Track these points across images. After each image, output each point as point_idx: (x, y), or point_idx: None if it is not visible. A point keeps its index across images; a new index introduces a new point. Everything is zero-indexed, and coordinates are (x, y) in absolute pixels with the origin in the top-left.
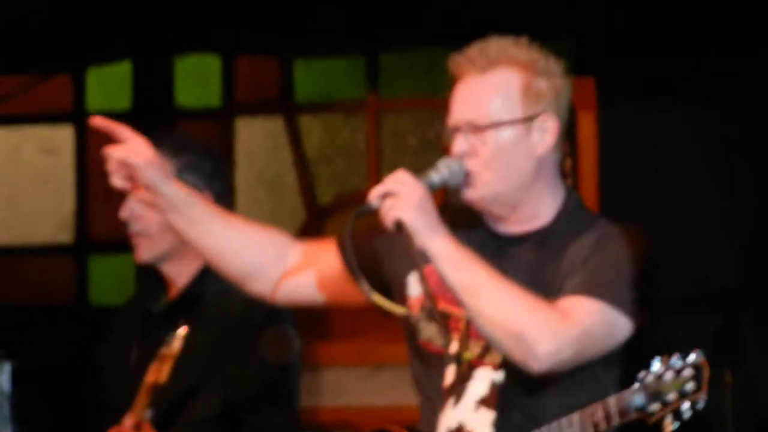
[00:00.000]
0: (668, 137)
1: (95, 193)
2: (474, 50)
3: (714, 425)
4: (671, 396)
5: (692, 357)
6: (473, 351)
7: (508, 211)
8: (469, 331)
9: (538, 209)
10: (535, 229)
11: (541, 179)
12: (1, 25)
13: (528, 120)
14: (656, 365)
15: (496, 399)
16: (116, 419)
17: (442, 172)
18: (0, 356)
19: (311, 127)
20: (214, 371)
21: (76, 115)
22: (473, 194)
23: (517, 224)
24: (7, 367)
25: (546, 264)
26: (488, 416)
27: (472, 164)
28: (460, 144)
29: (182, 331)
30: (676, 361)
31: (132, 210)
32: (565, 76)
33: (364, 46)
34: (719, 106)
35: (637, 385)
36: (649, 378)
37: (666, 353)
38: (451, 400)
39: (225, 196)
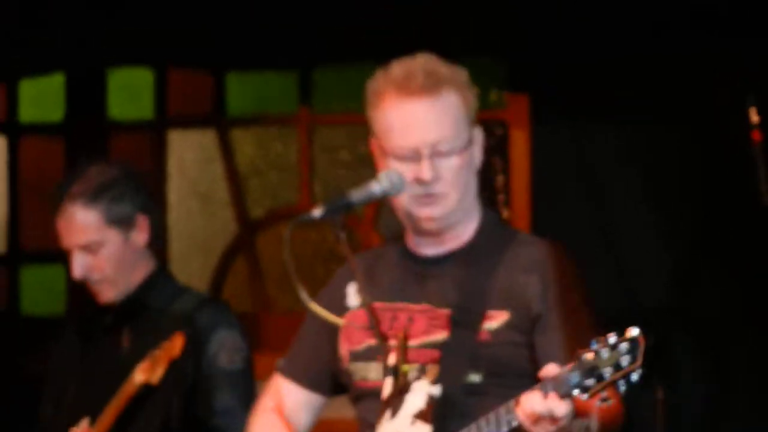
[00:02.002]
0: (601, 155)
1: (27, 204)
2: (419, 74)
3: None
4: (607, 371)
5: (629, 332)
6: (413, 370)
7: (450, 228)
8: (406, 350)
9: (460, 232)
10: (457, 247)
11: (472, 193)
12: None
13: (471, 140)
14: (594, 344)
15: (433, 413)
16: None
17: (383, 183)
18: None
19: (243, 140)
20: (165, 380)
21: (9, 127)
22: (437, 212)
23: (440, 245)
24: None
25: (473, 279)
26: (424, 430)
27: (439, 187)
28: (427, 170)
29: (180, 333)
30: (612, 337)
31: (82, 266)
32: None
33: (297, 60)
34: (652, 125)
35: (573, 363)
36: (587, 356)
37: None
38: (387, 413)
39: (154, 210)
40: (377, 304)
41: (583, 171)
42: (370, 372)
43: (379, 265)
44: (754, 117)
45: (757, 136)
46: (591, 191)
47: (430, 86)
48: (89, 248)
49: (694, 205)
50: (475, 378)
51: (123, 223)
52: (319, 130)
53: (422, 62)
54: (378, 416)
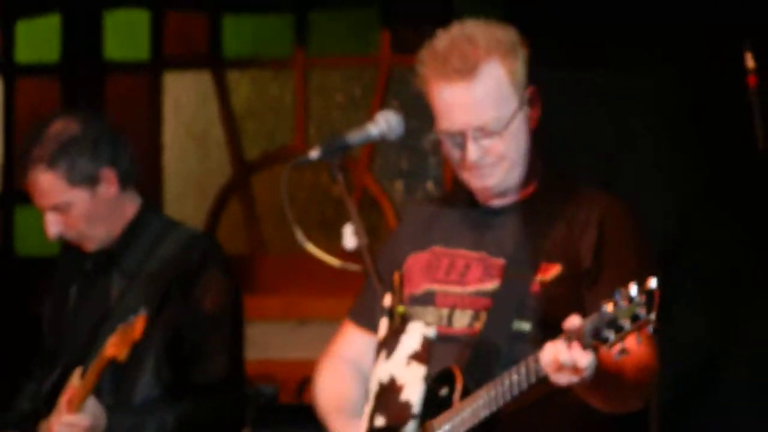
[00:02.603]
0: (601, 102)
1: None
2: (454, 57)
3: None
4: (625, 322)
5: (648, 283)
6: (406, 311)
7: (509, 184)
8: (401, 291)
9: (515, 183)
10: (518, 199)
11: (529, 150)
12: None
13: (521, 104)
14: (616, 295)
15: (427, 354)
16: (53, 365)
17: (380, 125)
18: None
19: (239, 82)
20: (157, 320)
21: (5, 68)
22: (490, 182)
23: (502, 198)
24: None
25: (529, 231)
26: (419, 371)
27: (487, 160)
28: (473, 151)
29: (143, 314)
30: (633, 288)
31: (56, 225)
32: (523, 43)
33: (293, 2)
34: (651, 72)
35: (594, 314)
36: (607, 307)
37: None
38: (383, 354)
39: (122, 156)
40: (438, 248)
41: (583, 118)
42: (427, 316)
43: (444, 211)
44: (750, 62)
45: (752, 81)
46: (591, 137)
47: (467, 69)
48: (58, 209)
49: (693, 150)
50: (523, 326)
51: (87, 181)
52: (315, 72)
53: (459, 39)
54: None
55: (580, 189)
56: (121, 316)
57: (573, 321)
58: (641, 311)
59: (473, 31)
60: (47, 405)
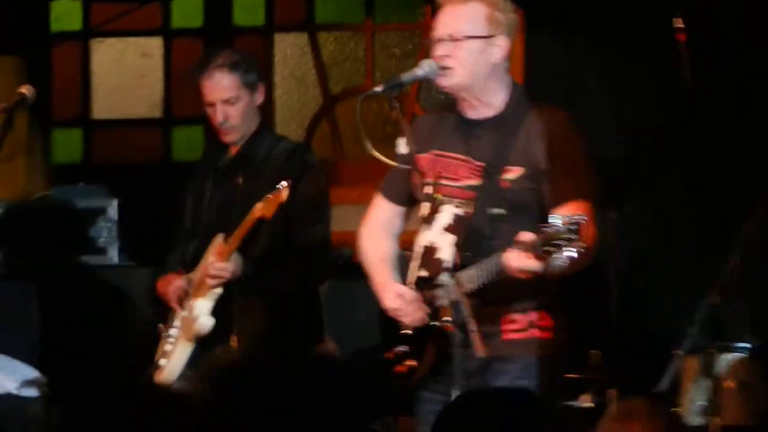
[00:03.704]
0: (574, 58)
1: (177, 84)
2: None
3: (602, 253)
4: (562, 241)
5: (578, 217)
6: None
7: (470, 97)
8: (438, 186)
9: (492, 99)
10: (491, 115)
11: (494, 78)
12: None
13: (488, 38)
14: (556, 219)
15: (456, 226)
16: (193, 239)
17: (424, 68)
18: (108, 193)
19: (327, 41)
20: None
21: (165, 31)
22: (447, 82)
23: (478, 110)
24: (114, 202)
25: (500, 141)
26: (451, 238)
27: (448, 62)
28: (442, 49)
29: (285, 184)
30: (567, 218)
31: (223, 114)
32: (514, 11)
33: None
34: (611, 36)
35: (539, 234)
36: (547, 229)
37: None
38: (425, 227)
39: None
40: (437, 152)
41: (561, 68)
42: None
43: (439, 125)
44: (679, 24)
45: (680, 37)
46: (569, 83)
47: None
48: (229, 101)
49: (641, 92)
50: (499, 211)
51: (251, 87)
52: (378, 34)
53: None
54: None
55: (539, 108)
56: (244, 202)
57: (524, 235)
58: (573, 236)
59: None
60: (192, 264)
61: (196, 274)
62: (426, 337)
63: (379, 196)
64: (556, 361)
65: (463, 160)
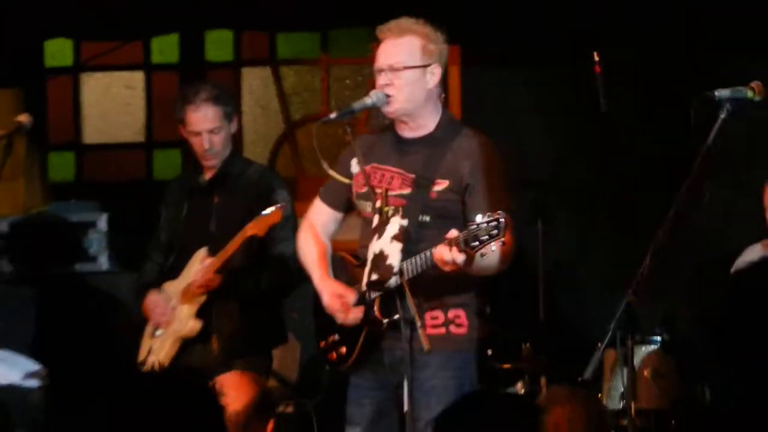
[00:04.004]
0: (507, 88)
1: (157, 112)
2: (392, 24)
3: (530, 259)
4: (484, 237)
5: (499, 213)
6: (390, 210)
7: (409, 120)
8: (387, 198)
9: (426, 121)
10: (423, 134)
11: (429, 103)
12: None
13: (424, 67)
14: (479, 218)
15: (402, 236)
16: (169, 252)
17: (372, 98)
18: (98, 208)
19: (288, 74)
20: (244, 222)
21: (146, 66)
22: (390, 108)
23: (413, 131)
24: (103, 216)
25: (429, 157)
26: (398, 246)
27: (390, 90)
28: (383, 79)
29: (282, 205)
30: (489, 216)
31: (209, 142)
32: (445, 42)
33: (319, 25)
34: (539, 70)
35: (465, 231)
36: (472, 227)
37: None
38: (375, 236)
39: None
40: (374, 165)
41: (494, 98)
42: (367, 207)
43: (378, 142)
44: (596, 57)
45: (597, 69)
46: (501, 111)
47: (397, 32)
48: (213, 131)
49: (565, 118)
50: (425, 218)
51: (229, 117)
52: (332, 67)
53: (405, 20)
54: (369, 239)
55: (464, 130)
56: (220, 220)
57: (452, 233)
58: (494, 231)
59: (411, 19)
60: (171, 272)
61: (180, 283)
62: (357, 328)
63: (318, 200)
64: (472, 356)
65: (396, 172)
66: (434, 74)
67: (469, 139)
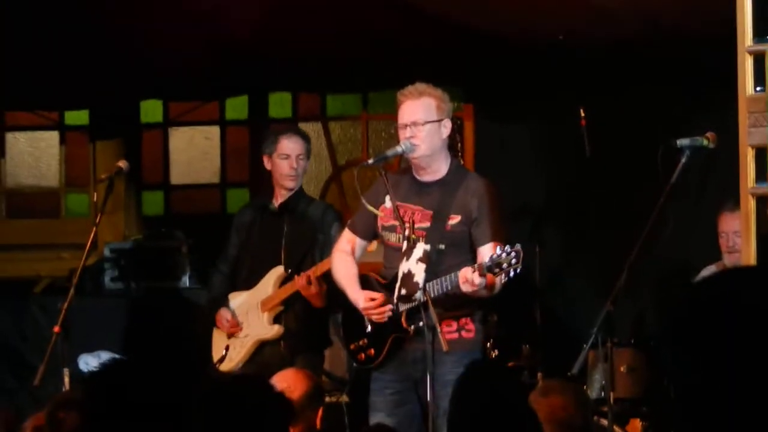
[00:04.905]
0: (511, 137)
1: (231, 158)
2: (411, 88)
3: (526, 276)
4: (504, 266)
5: (517, 246)
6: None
7: (427, 165)
8: (414, 223)
9: (440, 167)
10: (438, 178)
11: (443, 151)
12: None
13: (439, 121)
14: (498, 250)
15: (426, 258)
16: (240, 267)
17: (402, 146)
18: (182, 236)
19: (335, 128)
20: (311, 246)
21: (221, 121)
22: (415, 155)
23: (429, 175)
24: (187, 242)
25: (443, 197)
26: (422, 267)
27: (414, 141)
28: (408, 132)
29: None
30: (508, 248)
31: (297, 165)
32: (451, 101)
33: (362, 87)
34: (536, 123)
35: (489, 258)
36: (495, 256)
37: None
38: (404, 259)
39: None
40: (398, 203)
41: (500, 145)
42: (391, 237)
43: (401, 183)
44: (582, 113)
45: (582, 122)
46: (506, 155)
47: (416, 94)
48: (299, 157)
49: (557, 158)
50: (442, 246)
51: (308, 153)
52: (371, 122)
53: (420, 84)
54: (398, 261)
55: (470, 174)
56: (289, 240)
57: (479, 261)
58: (513, 260)
59: (426, 84)
60: (246, 282)
61: (257, 293)
62: (384, 335)
63: (347, 230)
64: (479, 354)
65: (417, 209)
66: (446, 127)
67: (475, 181)
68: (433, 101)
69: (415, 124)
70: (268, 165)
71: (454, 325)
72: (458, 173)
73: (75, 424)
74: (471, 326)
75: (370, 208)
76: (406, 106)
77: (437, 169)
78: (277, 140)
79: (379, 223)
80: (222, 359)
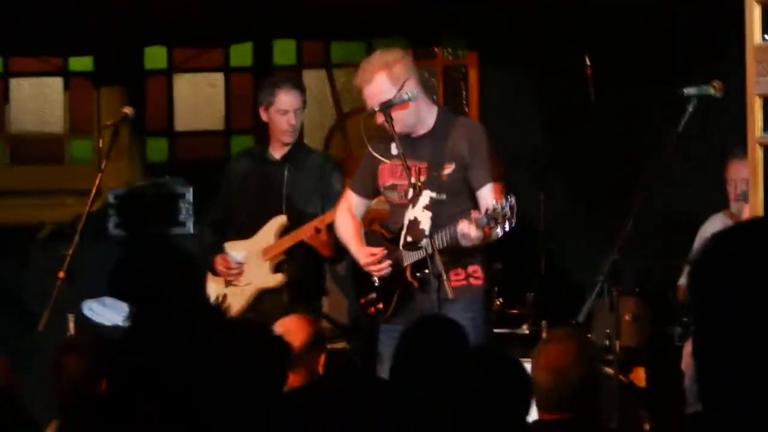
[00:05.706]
0: (515, 86)
1: (235, 106)
2: (359, 74)
3: (531, 224)
4: (500, 219)
5: (512, 200)
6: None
7: (413, 130)
8: (420, 173)
9: (425, 122)
10: (426, 131)
11: (423, 106)
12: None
13: (399, 90)
14: (495, 203)
15: (432, 206)
16: (236, 217)
17: (408, 93)
18: (186, 183)
19: (339, 75)
20: (309, 194)
21: (225, 68)
22: (398, 129)
23: (419, 132)
24: (190, 189)
25: (435, 147)
26: (428, 214)
27: (394, 116)
28: (380, 117)
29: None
30: (503, 200)
31: (296, 120)
32: (402, 53)
33: (366, 33)
34: (537, 72)
35: (485, 211)
36: (490, 209)
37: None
38: (410, 206)
39: None
40: (394, 160)
41: (504, 92)
42: (393, 195)
43: (394, 139)
44: (587, 61)
45: (587, 69)
46: (511, 103)
47: (368, 78)
48: (297, 111)
49: (561, 105)
50: (441, 196)
51: (305, 105)
52: None
53: (363, 65)
54: (403, 214)
55: (458, 119)
56: (290, 191)
57: (476, 213)
58: (508, 213)
59: (371, 59)
60: (243, 227)
61: (258, 241)
62: (391, 289)
63: (349, 191)
64: (486, 300)
65: (412, 163)
66: (410, 85)
67: (463, 126)
68: (384, 75)
69: (380, 107)
70: (264, 116)
71: (462, 273)
72: (446, 121)
73: (80, 368)
74: (480, 273)
75: (376, 155)
76: (365, 94)
77: (423, 125)
78: (274, 93)
79: (380, 183)
80: (224, 301)
